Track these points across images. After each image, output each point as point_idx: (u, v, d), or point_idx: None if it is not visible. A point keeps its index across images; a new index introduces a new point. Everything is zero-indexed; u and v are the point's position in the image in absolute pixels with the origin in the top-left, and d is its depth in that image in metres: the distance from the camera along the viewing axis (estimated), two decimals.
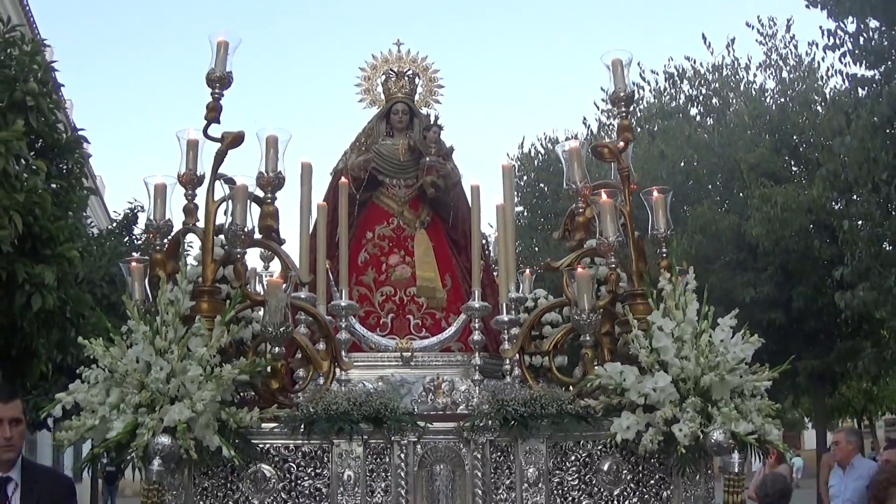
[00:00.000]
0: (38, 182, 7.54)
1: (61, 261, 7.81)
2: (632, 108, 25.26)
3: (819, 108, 20.02)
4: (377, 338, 6.57)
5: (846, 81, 14.46)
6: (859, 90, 13.80)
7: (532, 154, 28.27)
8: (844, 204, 15.66)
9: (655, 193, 5.92)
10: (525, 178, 28.04)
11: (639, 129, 22.96)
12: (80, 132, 8.98)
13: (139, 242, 18.61)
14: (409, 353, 6.42)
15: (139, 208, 19.44)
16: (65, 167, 8.65)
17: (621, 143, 6.02)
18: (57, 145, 8.51)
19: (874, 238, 13.63)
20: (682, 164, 21.29)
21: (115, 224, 20.38)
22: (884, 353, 15.55)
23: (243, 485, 5.18)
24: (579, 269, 5.52)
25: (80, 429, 5.08)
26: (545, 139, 28.26)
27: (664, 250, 5.85)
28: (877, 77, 13.27)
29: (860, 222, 14.15)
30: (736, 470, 5.11)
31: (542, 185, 27.43)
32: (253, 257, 6.58)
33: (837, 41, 13.36)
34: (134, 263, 5.79)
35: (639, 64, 25.16)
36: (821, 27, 13.88)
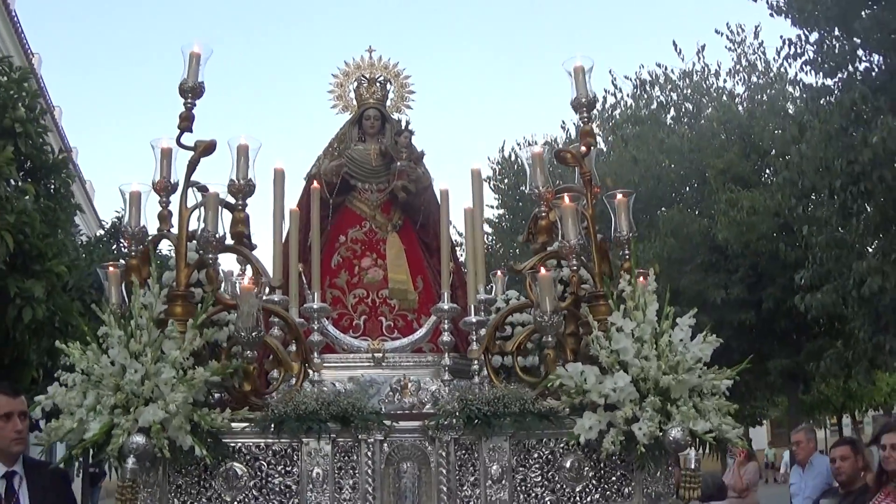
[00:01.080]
0: (27, 203, 8.00)
1: (50, 276, 8.46)
2: (606, 115, 26.20)
3: (790, 110, 20.45)
4: (349, 339, 6.79)
5: (803, 92, 14.86)
6: (816, 100, 14.21)
7: (512, 158, 28.85)
8: (803, 210, 16.18)
9: (618, 196, 6.15)
10: (506, 181, 28.67)
11: (611, 136, 23.62)
12: (67, 152, 9.40)
13: (126, 251, 19.06)
14: (381, 354, 6.64)
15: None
16: (52, 187, 9.04)
17: (583, 148, 6.25)
18: (44, 166, 8.91)
19: (833, 242, 14.10)
20: (656, 168, 21.74)
21: (103, 232, 20.77)
22: (846, 353, 15.96)
23: (216, 482, 5.39)
24: (541, 272, 5.74)
25: (59, 430, 5.29)
26: (525, 143, 28.70)
27: (626, 252, 6.08)
28: (833, 87, 13.67)
29: (827, 226, 14.53)
30: (693, 466, 5.36)
31: (522, 188, 27.86)
32: (230, 262, 6.85)
33: (798, 50, 13.75)
34: (111, 268, 6.00)
35: (610, 71, 26.11)
36: (781, 36, 14.36)
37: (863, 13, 12.64)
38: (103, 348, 5.40)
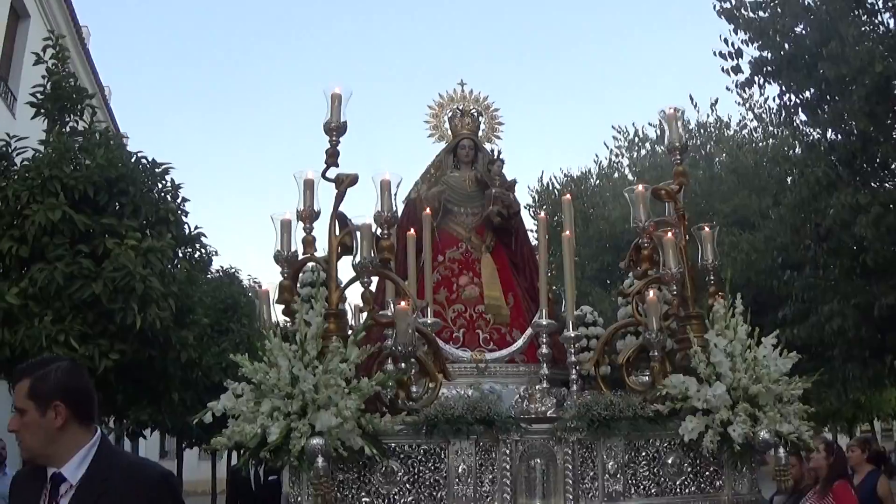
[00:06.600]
0: (183, 276, 11.26)
1: (197, 326, 11.89)
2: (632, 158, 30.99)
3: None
4: (455, 350, 8.14)
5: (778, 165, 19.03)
6: (791, 172, 18.24)
7: (549, 188, 32.81)
8: (782, 260, 19.68)
9: (705, 229, 7.58)
10: (544, 208, 31.31)
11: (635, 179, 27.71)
12: (199, 229, 12.63)
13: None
14: (483, 364, 8.00)
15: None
16: (189, 254, 12.55)
17: (675, 186, 7.66)
18: (184, 237, 12.27)
19: (808, 286, 17.70)
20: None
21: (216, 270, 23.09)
22: (822, 377, 18.71)
23: (374, 478, 6.68)
24: (649, 296, 7.14)
25: (240, 435, 6.48)
26: (562, 175, 33.59)
27: (712, 278, 7.51)
28: (806, 160, 17.05)
29: (802, 273, 18.14)
30: (783, 462, 6.82)
31: (558, 215, 31.01)
32: None
33: (787, 119, 17.10)
34: (263, 288, 7.26)
35: (633, 123, 30.26)
36: (770, 108, 17.66)
37: (824, 108, 15.91)
38: (270, 361, 6.61)
